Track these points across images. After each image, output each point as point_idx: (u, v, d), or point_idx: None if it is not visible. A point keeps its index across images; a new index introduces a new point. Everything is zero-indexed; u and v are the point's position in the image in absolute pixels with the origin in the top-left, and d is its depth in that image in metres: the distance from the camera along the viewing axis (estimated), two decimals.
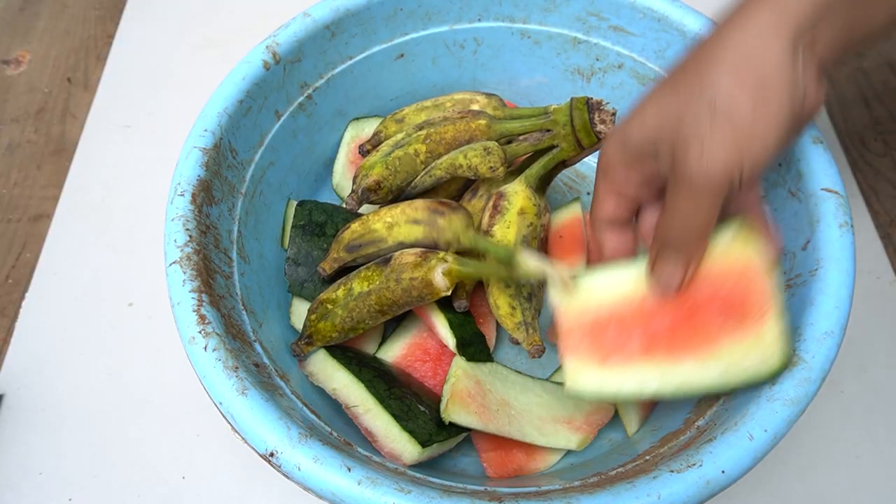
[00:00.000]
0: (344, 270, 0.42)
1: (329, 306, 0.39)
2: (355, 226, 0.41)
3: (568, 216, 0.48)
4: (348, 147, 0.50)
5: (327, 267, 0.41)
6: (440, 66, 0.50)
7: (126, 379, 0.46)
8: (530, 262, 0.35)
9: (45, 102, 0.60)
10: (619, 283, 0.34)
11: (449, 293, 0.37)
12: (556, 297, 0.35)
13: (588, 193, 0.52)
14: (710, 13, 0.41)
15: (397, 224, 0.40)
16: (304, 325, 0.40)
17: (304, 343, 0.40)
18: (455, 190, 0.45)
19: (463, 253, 0.39)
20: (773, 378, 0.31)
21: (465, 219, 0.40)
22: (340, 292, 0.39)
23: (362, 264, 0.41)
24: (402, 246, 0.39)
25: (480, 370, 0.39)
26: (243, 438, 0.31)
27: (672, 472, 0.30)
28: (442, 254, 0.38)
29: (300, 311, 0.44)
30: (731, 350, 0.32)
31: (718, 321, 0.32)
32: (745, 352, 0.31)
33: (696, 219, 0.31)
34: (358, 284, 0.39)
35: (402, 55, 0.48)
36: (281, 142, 0.45)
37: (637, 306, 0.34)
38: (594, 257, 0.38)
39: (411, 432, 0.35)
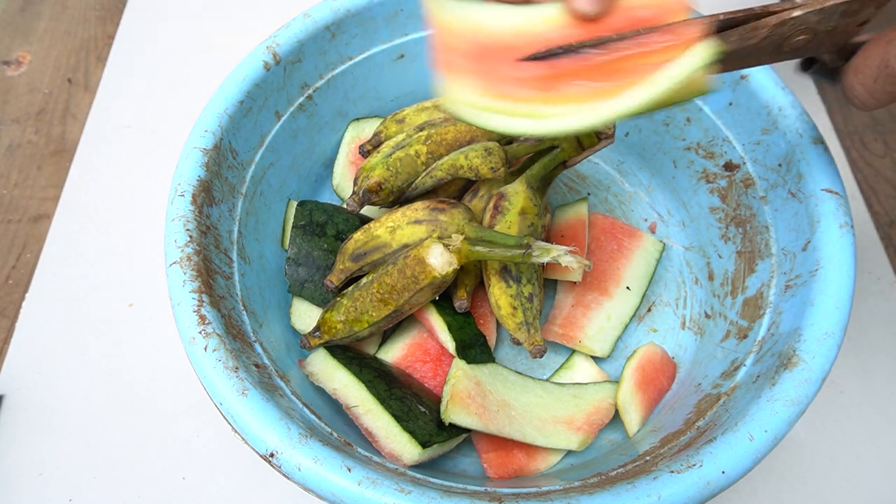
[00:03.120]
0: (352, 281, 0.42)
1: (339, 299, 0.40)
2: (358, 235, 0.41)
3: (572, 215, 0.48)
4: (349, 148, 0.50)
5: (335, 279, 0.41)
6: None
7: (126, 379, 0.46)
8: (539, 243, 0.35)
9: (46, 103, 0.60)
10: (513, 17, 0.30)
11: (442, 274, 0.36)
12: (431, 3, 0.30)
13: (589, 194, 0.51)
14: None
15: (399, 227, 0.40)
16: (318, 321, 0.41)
17: (313, 336, 0.40)
18: (455, 191, 0.45)
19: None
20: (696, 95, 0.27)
21: (466, 213, 0.40)
22: (350, 287, 0.40)
23: (369, 273, 0.41)
24: (407, 248, 0.39)
25: (480, 371, 0.39)
26: (243, 439, 0.31)
27: (672, 472, 0.30)
28: (445, 237, 0.38)
29: (300, 311, 0.44)
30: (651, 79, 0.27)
31: (636, 56, 0.28)
32: (667, 79, 0.27)
33: None
34: (366, 277, 0.39)
35: (402, 56, 0.48)
36: (281, 142, 0.45)
37: (536, 38, 0.29)
38: None
39: (412, 433, 0.35)
